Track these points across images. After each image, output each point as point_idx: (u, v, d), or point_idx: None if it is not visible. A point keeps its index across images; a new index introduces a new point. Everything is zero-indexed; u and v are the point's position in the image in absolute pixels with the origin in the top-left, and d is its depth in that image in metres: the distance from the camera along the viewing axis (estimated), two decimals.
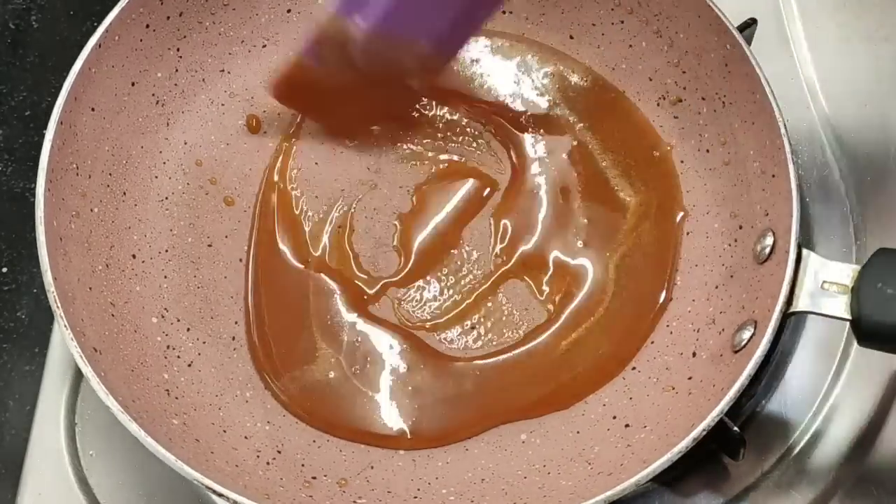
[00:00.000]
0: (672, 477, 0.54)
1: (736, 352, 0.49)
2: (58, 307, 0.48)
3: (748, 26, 0.58)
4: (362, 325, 0.55)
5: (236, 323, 0.55)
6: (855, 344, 0.47)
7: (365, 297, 0.56)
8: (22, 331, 0.61)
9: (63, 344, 0.60)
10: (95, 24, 0.54)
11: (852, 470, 0.54)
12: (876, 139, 0.61)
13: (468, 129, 0.60)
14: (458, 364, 0.54)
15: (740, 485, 0.54)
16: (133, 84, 0.56)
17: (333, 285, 0.56)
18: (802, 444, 0.55)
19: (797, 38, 0.64)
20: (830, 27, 0.64)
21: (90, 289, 0.52)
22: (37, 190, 0.50)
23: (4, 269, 0.61)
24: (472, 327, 0.55)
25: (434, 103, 0.60)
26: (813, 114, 0.62)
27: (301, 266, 0.56)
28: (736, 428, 0.51)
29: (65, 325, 0.47)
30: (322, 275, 0.56)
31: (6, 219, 0.61)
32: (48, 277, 0.49)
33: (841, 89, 0.62)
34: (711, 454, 0.54)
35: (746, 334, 0.48)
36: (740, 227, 0.53)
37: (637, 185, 0.57)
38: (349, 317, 0.55)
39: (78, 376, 0.59)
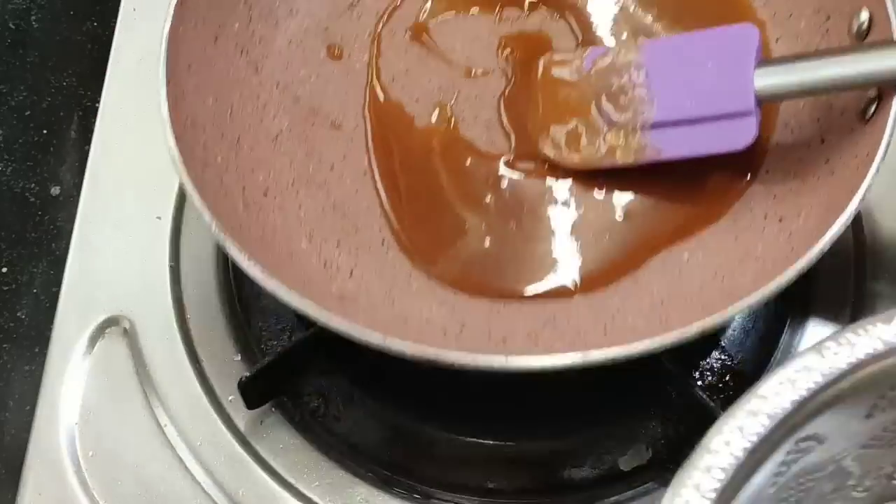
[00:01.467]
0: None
1: (866, 120, 0.51)
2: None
3: None
4: (508, 178, 0.57)
5: (380, 229, 0.57)
6: None
7: (505, 158, 0.58)
8: (22, 331, 0.60)
9: (63, 344, 0.58)
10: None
11: None
12: None
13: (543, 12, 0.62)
14: (599, 195, 0.56)
15: None
16: (216, 39, 0.58)
17: (464, 153, 0.58)
18: None
19: None
20: None
21: (240, 227, 0.53)
22: (168, 144, 0.51)
23: (4, 269, 0.61)
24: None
25: None
26: None
27: (426, 149, 0.58)
28: None
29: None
30: (450, 146, 0.58)
31: (6, 219, 0.61)
32: (214, 227, 0.49)
33: None
34: None
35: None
36: (828, 18, 0.55)
37: None
38: (490, 176, 0.57)
39: (77, 375, 0.58)
